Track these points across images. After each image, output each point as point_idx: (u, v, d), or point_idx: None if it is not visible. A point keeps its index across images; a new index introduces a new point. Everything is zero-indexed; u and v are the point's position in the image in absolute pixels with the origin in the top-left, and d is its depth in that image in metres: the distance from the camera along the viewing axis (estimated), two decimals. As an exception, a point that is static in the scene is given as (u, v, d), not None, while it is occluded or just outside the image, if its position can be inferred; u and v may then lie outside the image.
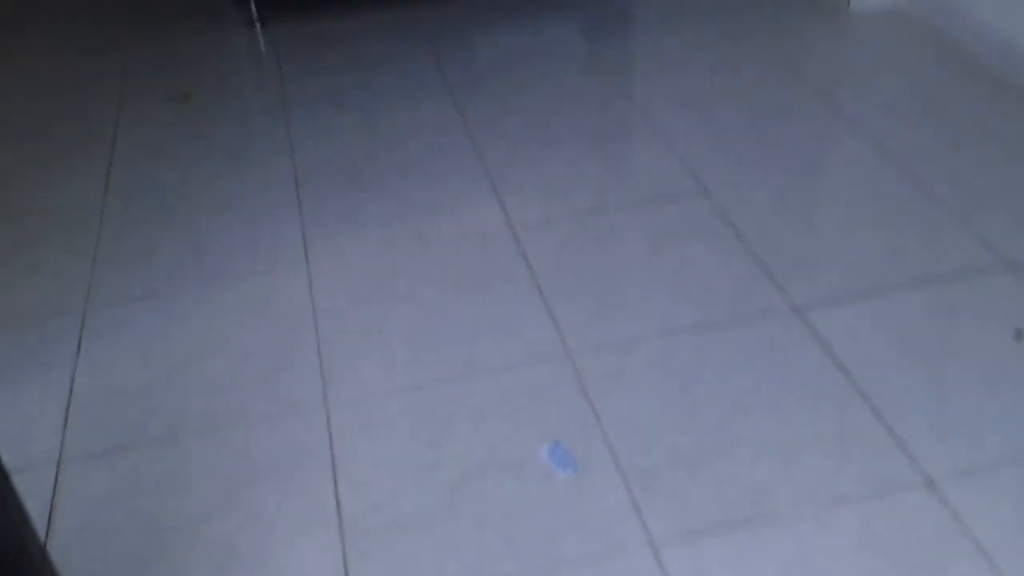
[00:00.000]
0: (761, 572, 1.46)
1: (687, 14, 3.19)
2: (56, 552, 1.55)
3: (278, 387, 1.87)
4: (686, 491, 1.59)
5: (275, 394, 1.86)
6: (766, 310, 1.98)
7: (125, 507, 1.64)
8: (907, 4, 3.05)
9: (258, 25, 3.30)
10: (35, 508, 1.56)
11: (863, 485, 1.59)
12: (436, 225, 2.30)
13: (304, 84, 2.95)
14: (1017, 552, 1.46)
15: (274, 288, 2.14)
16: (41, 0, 3.65)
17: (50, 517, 1.63)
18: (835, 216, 2.26)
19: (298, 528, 1.58)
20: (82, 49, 3.25)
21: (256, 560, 1.53)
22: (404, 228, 2.30)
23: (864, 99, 2.67)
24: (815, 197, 2.35)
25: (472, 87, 2.88)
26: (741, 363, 1.85)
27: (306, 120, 2.76)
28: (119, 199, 2.48)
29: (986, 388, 1.75)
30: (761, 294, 2.02)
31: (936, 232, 2.16)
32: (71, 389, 1.90)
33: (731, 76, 2.84)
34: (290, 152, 2.62)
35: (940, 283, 2.01)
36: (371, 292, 2.11)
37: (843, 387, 1.78)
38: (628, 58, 3.04)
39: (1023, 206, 2.21)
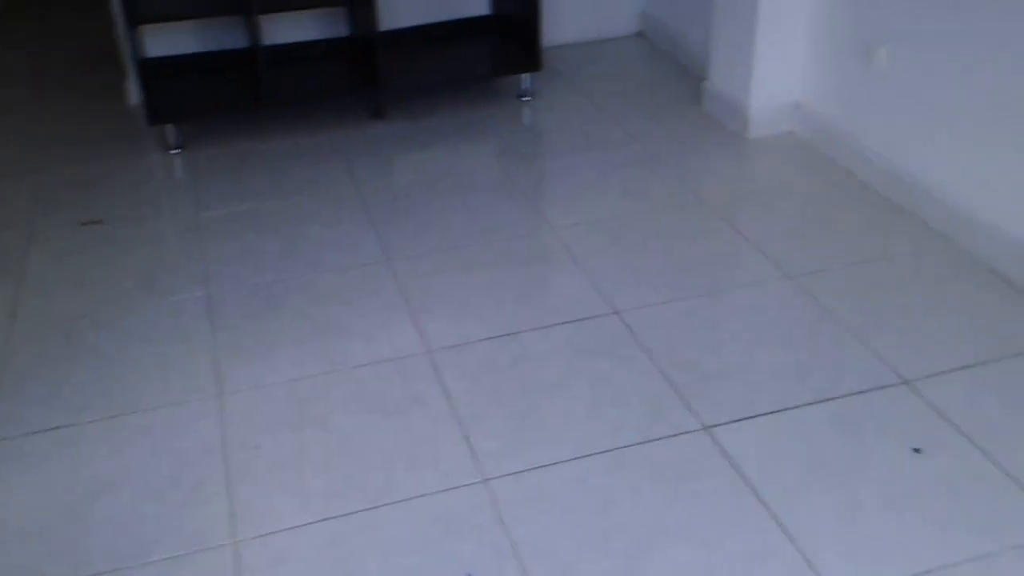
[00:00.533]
0: None
1: (597, 140, 3.33)
2: None
3: (185, 524, 1.82)
4: (602, 620, 1.58)
5: (181, 531, 1.80)
6: (677, 429, 2.01)
7: (16, 660, 1.55)
8: (802, 131, 3.25)
9: (176, 150, 3.32)
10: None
11: (775, 608, 1.60)
12: (351, 349, 2.30)
13: (221, 208, 2.97)
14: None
15: (184, 419, 2.10)
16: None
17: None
18: (741, 336, 2.33)
19: (202, 676, 1.51)
20: (-7, 173, 3.22)
21: None
22: (319, 353, 2.29)
23: (764, 221, 2.80)
24: (721, 317, 2.43)
25: (390, 210, 2.93)
26: (655, 484, 1.87)
27: (222, 244, 2.77)
28: (27, 328, 2.42)
29: (889, 504, 1.81)
30: (672, 413, 2.06)
31: (837, 351, 2.25)
32: (-37, 531, 1.81)
33: (639, 199, 2.95)
34: (205, 277, 2.61)
35: (843, 400, 2.09)
36: (284, 420, 2.09)
37: (753, 507, 1.81)
38: (542, 181, 3.15)
39: (916, 326, 2.32)
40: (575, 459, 1.95)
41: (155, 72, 3.49)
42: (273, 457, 1.98)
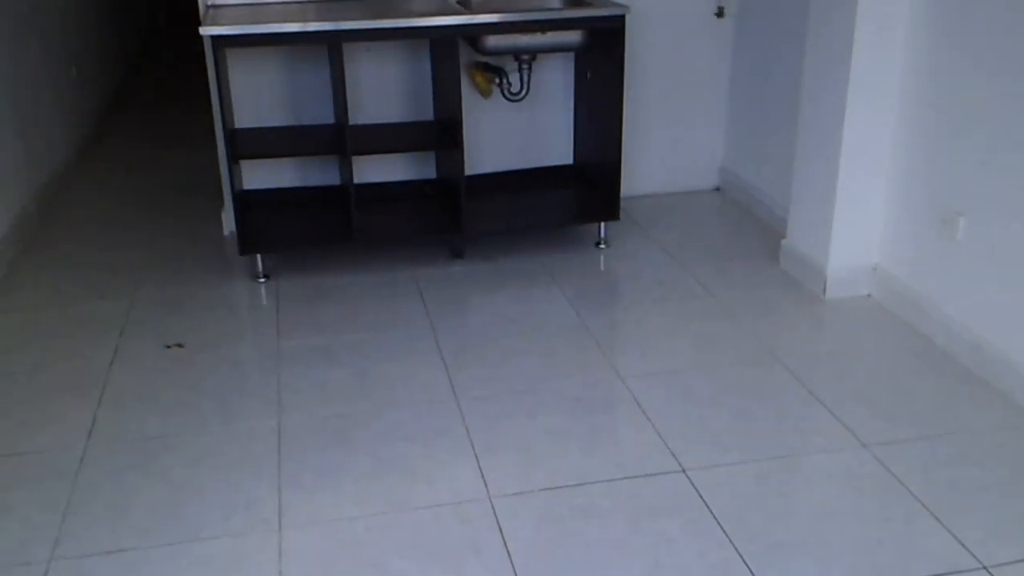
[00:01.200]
0: None
1: (671, 291, 3.35)
2: None
3: (234, 661, 1.80)
4: None
5: (229, 669, 1.78)
6: (742, 602, 1.94)
7: None
8: (880, 295, 3.22)
9: (263, 278, 3.45)
10: None
11: None
12: (413, 490, 2.30)
13: (300, 338, 3.05)
14: None
15: (243, 551, 2.10)
16: (55, 241, 3.84)
17: None
18: (811, 504, 2.26)
19: None
20: (89, 290, 3.38)
21: None
22: (380, 491, 2.29)
23: (840, 385, 2.75)
24: (792, 483, 2.36)
25: (462, 349, 2.97)
26: (715, 661, 1.79)
27: (297, 374, 2.83)
28: (101, 446, 2.49)
29: None
30: (737, 584, 1.99)
31: (910, 528, 2.15)
32: (18, 651, 1.82)
33: (712, 354, 2.94)
34: (277, 406, 2.67)
35: (918, 582, 1.99)
36: (341, 559, 2.07)
37: None
38: (614, 330, 3.16)
39: (997, 507, 2.21)
40: (633, 625, 1.88)
41: (250, 203, 3.68)
42: (327, 598, 1.96)
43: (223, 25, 3.15)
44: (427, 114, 3.85)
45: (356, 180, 3.56)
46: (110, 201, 4.28)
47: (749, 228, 3.90)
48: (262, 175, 3.78)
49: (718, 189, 4.32)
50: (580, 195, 3.94)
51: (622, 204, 3.70)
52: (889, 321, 3.11)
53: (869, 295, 3.26)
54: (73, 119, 4.87)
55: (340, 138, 3.44)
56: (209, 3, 3.52)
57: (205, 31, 3.13)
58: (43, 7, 4.54)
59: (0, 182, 3.63)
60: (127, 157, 4.94)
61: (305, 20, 3.24)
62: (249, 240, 3.42)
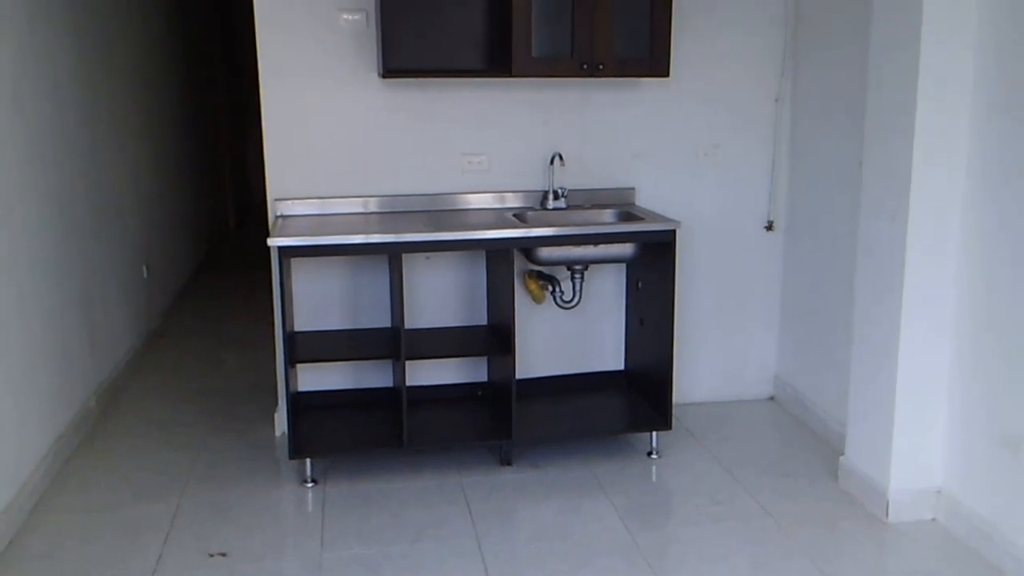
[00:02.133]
0: None
1: (727, 510, 3.24)
2: None
3: None
4: None
5: None
6: None
7: None
8: (947, 520, 3.08)
9: (311, 483, 3.44)
10: None
11: None
12: None
13: (343, 549, 2.99)
14: None
15: None
16: (112, 439, 3.89)
17: None
18: None
19: None
20: (138, 492, 3.38)
21: None
22: None
23: (909, 620, 2.59)
24: None
25: (508, 565, 2.87)
26: None
27: (339, 589, 2.76)
28: (135, 662, 2.41)
29: None
30: None
31: None
32: None
33: (767, 572, 2.81)
34: (317, 624, 2.58)
35: None
36: None
37: None
38: (667, 550, 3.05)
39: None
40: None
41: (303, 405, 3.71)
42: None
43: (290, 236, 3.30)
44: (480, 318, 3.93)
45: (409, 382, 3.59)
46: (168, 399, 4.36)
47: (805, 441, 3.81)
48: (317, 376, 3.84)
49: (772, 399, 4.26)
50: (631, 402, 3.91)
51: (674, 411, 3.66)
52: (956, 549, 2.95)
53: (934, 519, 3.12)
54: (139, 317, 5.06)
55: (395, 343, 3.51)
56: (278, 213, 3.71)
57: (273, 242, 3.28)
58: (119, 208, 4.83)
59: (66, 379, 3.74)
60: (187, 355, 5.07)
61: (368, 231, 3.39)
62: (300, 445, 3.43)
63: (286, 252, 3.31)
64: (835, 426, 3.65)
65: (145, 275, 5.24)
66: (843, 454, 3.40)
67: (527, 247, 3.51)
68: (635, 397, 3.92)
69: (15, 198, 3.29)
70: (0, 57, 3.21)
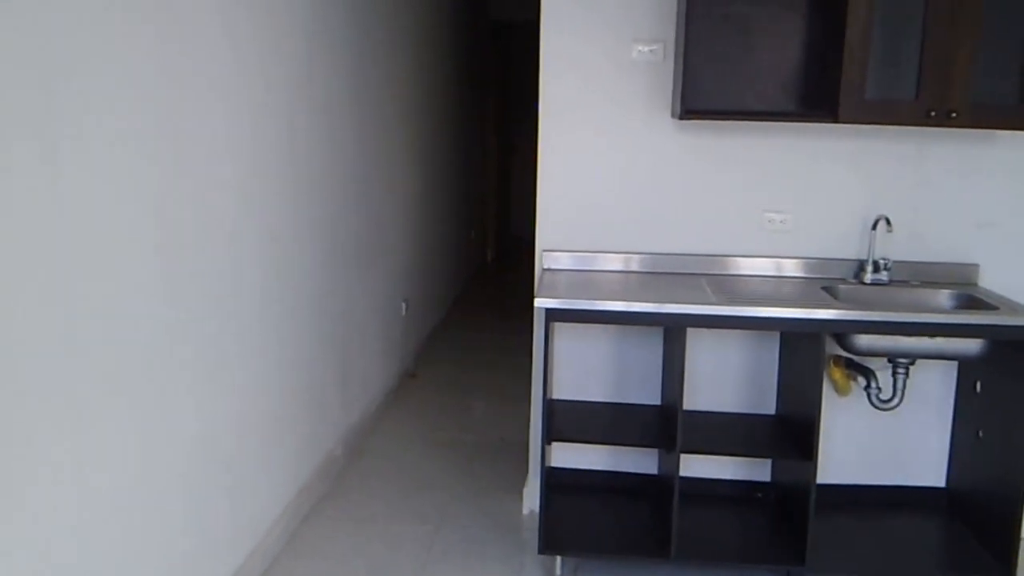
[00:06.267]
0: None
1: None
2: None
3: None
4: None
5: None
6: None
7: None
8: None
9: (557, 581, 2.98)
10: None
11: None
12: None
13: None
14: None
15: None
16: (349, 495, 3.64)
17: None
18: None
19: None
20: (371, 569, 3.07)
21: None
22: None
23: None
24: None
25: None
26: None
27: None
28: None
29: None
30: None
31: None
32: None
33: None
34: None
35: None
36: None
37: None
38: None
39: None
40: None
41: (556, 485, 3.27)
42: None
43: (558, 296, 2.87)
44: (765, 405, 3.31)
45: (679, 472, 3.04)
46: (412, 451, 4.08)
47: None
48: (573, 453, 3.39)
49: None
50: (954, 533, 3.12)
51: (1021, 557, 2.86)
52: None
53: None
54: (394, 357, 4.86)
55: (666, 427, 2.98)
56: (545, 266, 3.31)
57: (541, 303, 2.87)
58: (385, 243, 4.65)
59: (317, 423, 3.53)
60: (436, 400, 4.80)
61: (645, 297, 2.89)
62: (551, 539, 2.97)
63: (553, 315, 2.89)
64: None
65: (404, 312, 5.05)
66: None
67: (841, 332, 2.87)
68: (959, 527, 3.13)
69: (281, 226, 3.09)
70: (275, 79, 3.04)
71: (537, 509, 3.02)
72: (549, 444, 3.08)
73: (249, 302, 2.85)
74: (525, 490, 3.49)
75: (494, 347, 5.77)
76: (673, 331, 2.95)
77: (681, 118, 3.02)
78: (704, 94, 3.01)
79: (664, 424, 3.10)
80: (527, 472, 3.54)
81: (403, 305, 5.04)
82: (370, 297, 4.34)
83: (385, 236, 4.61)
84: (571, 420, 3.23)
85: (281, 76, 3.07)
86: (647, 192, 3.28)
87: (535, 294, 2.96)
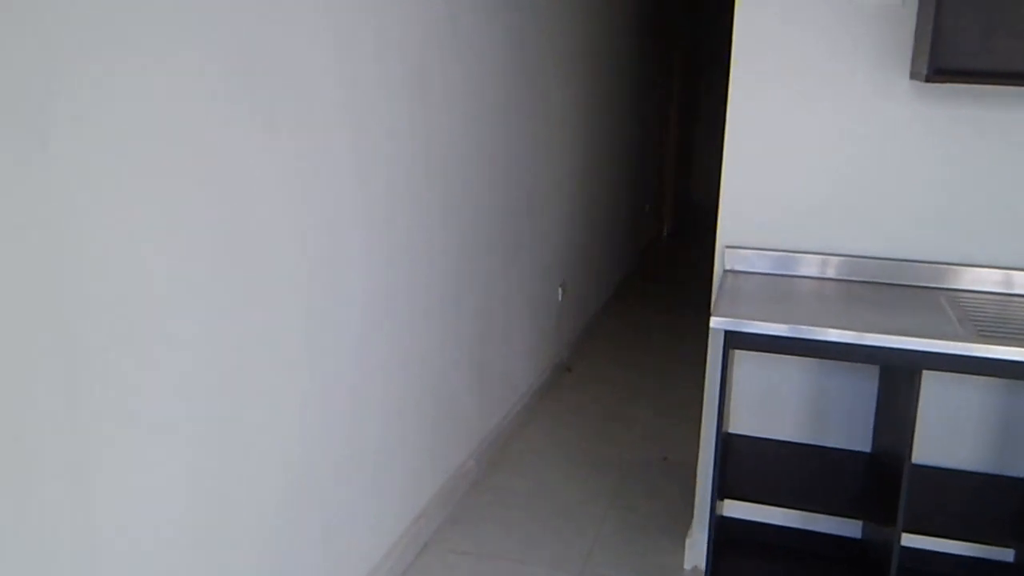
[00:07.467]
0: None
1: None
2: None
3: None
4: None
5: None
6: None
7: None
8: None
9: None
10: None
11: None
12: None
13: None
14: None
15: None
16: (477, 519, 3.10)
17: None
18: None
19: None
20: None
21: None
22: None
23: None
24: None
25: None
26: None
27: None
28: None
29: None
30: None
31: None
32: None
33: None
34: None
35: None
36: None
37: None
38: None
39: None
40: None
41: (726, 539, 2.61)
42: None
43: (739, 315, 2.18)
44: (1008, 464, 2.50)
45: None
46: (553, 469, 3.48)
47: None
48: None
49: None
50: None
51: None
52: None
53: None
54: (544, 350, 4.26)
55: (882, 490, 2.25)
56: (727, 267, 2.61)
57: (718, 324, 2.19)
58: (541, 224, 4.04)
59: (443, 437, 3.00)
60: (587, 402, 4.18)
61: (860, 314, 2.15)
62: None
63: (734, 341, 2.20)
64: None
65: (560, 298, 4.45)
66: None
67: None
68: None
69: (405, 217, 2.55)
70: (428, 55, 2.47)
71: (704, 567, 2.38)
72: (721, 500, 2.41)
73: (351, 312, 2.33)
74: (688, 540, 2.84)
75: (663, 334, 5.09)
76: (909, 374, 2.21)
77: (928, 80, 2.22)
78: (963, 49, 2.20)
79: (877, 485, 2.36)
80: (692, 515, 2.89)
81: (559, 291, 4.44)
82: (520, 285, 3.76)
83: (537, 217, 3.98)
84: (751, 467, 2.54)
85: (413, 15, 2.50)
86: (869, 177, 2.51)
87: (711, 308, 2.28)
